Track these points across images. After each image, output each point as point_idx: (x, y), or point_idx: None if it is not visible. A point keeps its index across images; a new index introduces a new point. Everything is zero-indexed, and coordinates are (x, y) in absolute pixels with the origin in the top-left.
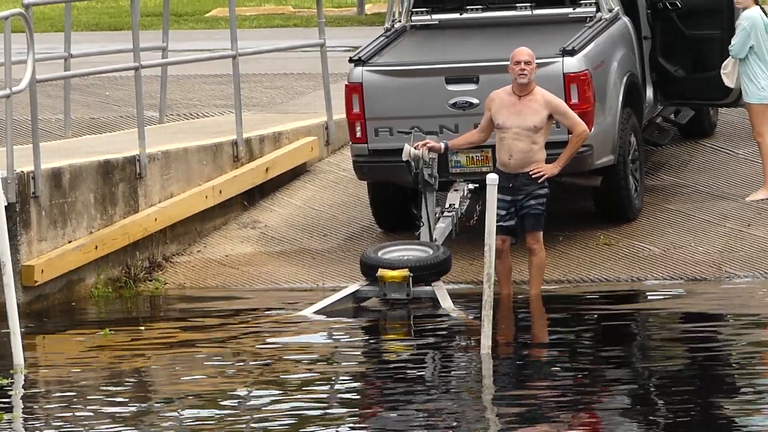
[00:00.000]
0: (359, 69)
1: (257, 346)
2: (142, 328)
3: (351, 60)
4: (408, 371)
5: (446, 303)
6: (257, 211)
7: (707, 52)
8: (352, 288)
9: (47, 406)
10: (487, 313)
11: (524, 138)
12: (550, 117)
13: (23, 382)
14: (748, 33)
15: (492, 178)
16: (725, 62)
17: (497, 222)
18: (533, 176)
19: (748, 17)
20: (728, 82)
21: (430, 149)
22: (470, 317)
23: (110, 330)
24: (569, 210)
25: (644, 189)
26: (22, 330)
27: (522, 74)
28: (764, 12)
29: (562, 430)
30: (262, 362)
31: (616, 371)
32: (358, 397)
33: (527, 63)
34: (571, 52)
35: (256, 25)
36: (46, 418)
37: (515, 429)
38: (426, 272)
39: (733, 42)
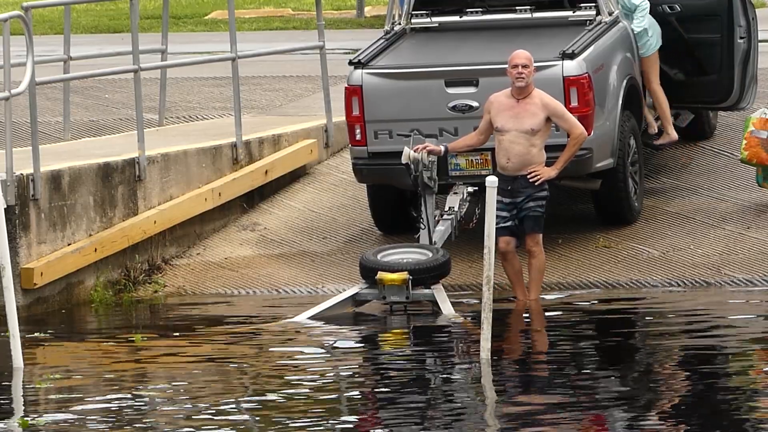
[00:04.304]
0: (359, 71)
1: (257, 349)
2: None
3: (350, 62)
4: (406, 375)
5: (445, 306)
6: (256, 214)
7: (706, 56)
8: (351, 291)
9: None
10: (486, 316)
11: (522, 141)
12: (548, 119)
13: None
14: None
15: (491, 181)
16: None
17: (498, 224)
18: (531, 180)
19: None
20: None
21: (430, 152)
22: (469, 320)
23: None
24: (568, 213)
25: (643, 192)
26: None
27: (519, 77)
28: None
29: None
30: (261, 365)
31: (617, 375)
32: (356, 400)
33: (525, 66)
34: (571, 56)
35: (255, 28)
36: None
37: None
38: (425, 275)
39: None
